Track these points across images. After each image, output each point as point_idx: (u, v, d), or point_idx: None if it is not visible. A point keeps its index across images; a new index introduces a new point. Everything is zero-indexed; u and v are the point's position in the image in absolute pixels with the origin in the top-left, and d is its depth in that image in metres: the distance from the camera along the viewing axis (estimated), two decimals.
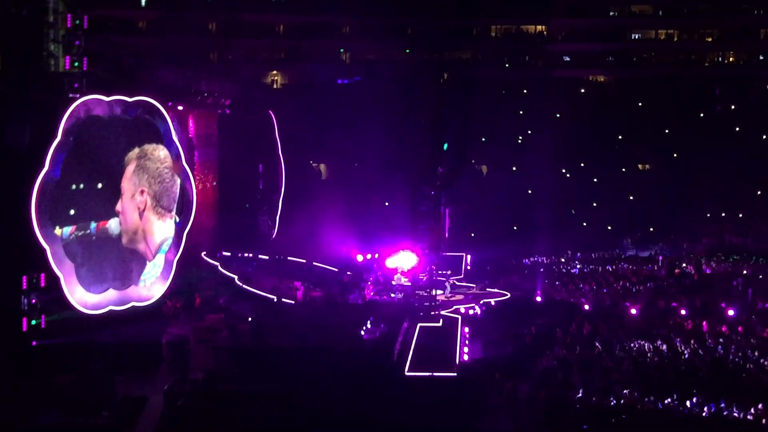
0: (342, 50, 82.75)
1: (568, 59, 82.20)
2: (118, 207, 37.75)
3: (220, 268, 49.80)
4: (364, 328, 40.33)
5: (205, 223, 51.03)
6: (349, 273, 51.88)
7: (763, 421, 30.32)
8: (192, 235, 43.34)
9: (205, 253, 51.07)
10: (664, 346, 39.41)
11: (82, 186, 35.31)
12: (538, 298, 49.55)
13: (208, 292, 45.25)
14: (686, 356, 38.15)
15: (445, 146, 64.39)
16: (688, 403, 31.81)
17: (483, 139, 74.76)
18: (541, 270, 57.13)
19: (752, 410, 31.03)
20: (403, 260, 52.08)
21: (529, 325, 43.04)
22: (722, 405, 31.73)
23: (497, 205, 66.89)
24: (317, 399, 31.55)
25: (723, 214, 66.91)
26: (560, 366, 36.36)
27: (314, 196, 62.16)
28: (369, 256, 56.49)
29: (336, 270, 53.18)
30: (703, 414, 31.17)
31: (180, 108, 47.38)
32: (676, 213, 64.99)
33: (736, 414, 31.11)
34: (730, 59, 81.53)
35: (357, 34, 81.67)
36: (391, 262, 53.01)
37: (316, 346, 36.52)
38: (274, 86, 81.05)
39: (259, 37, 79.29)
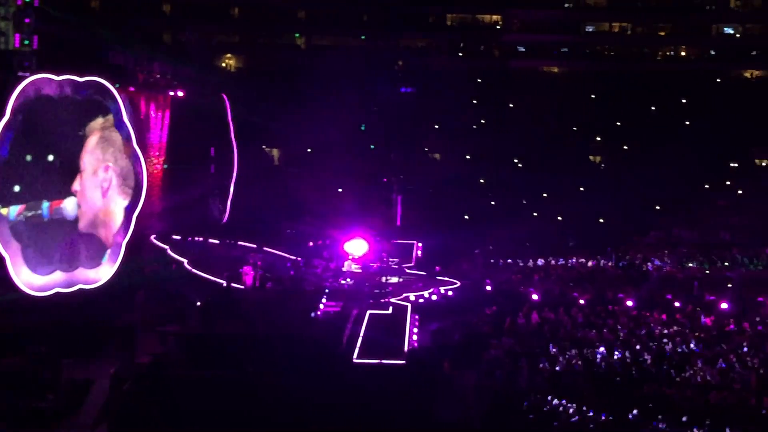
0: (297, 35, 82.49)
1: (523, 50, 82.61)
2: (76, 186, 36.28)
3: (169, 251, 49.42)
4: (321, 304, 40.49)
5: (155, 206, 50.55)
6: (299, 259, 51.71)
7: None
8: (141, 219, 42.89)
9: (154, 236, 50.65)
10: (611, 336, 39.84)
11: (30, 161, 33.91)
12: (488, 287, 49.71)
13: (157, 277, 44.85)
14: (631, 346, 38.58)
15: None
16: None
17: (437, 127, 74.84)
18: (491, 259, 57.36)
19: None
20: (354, 247, 52.01)
21: (478, 314, 43.33)
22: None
23: (449, 193, 67.00)
24: (265, 384, 31.49)
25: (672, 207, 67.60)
26: (508, 355, 36.56)
27: (266, 181, 61.85)
28: (320, 242, 56.35)
29: (287, 255, 53.00)
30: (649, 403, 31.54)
31: (131, 89, 46.86)
32: (626, 205, 65.46)
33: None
34: (682, 54, 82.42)
35: (312, 20, 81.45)
36: (345, 249, 52.97)
37: (265, 332, 36.42)
38: (228, 70, 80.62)
39: (214, 21, 78.81)
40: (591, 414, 29.92)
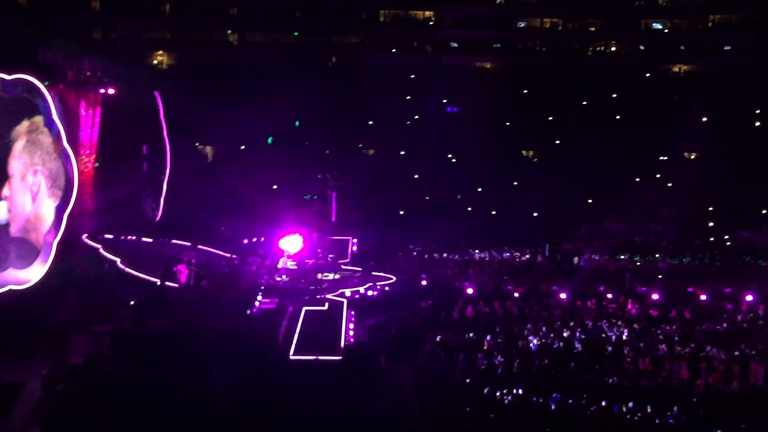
0: (229, 32, 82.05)
1: (456, 45, 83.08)
2: (5, 191, 35.79)
3: (101, 251, 48.77)
4: (256, 301, 40.35)
5: (87, 205, 49.84)
6: (234, 256, 51.41)
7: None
8: (73, 218, 42.24)
9: (86, 235, 49.96)
10: (544, 328, 40.28)
11: None
12: (423, 282, 49.94)
13: (88, 276, 44.25)
14: (565, 337, 39.07)
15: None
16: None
17: (371, 123, 74.93)
18: (426, 254, 57.63)
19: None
20: (289, 244, 51.83)
21: (413, 308, 43.54)
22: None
23: (384, 189, 67.15)
24: (200, 383, 31.26)
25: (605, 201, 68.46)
26: (444, 348, 36.78)
27: (200, 179, 61.33)
28: (255, 240, 56.08)
29: (222, 253, 52.64)
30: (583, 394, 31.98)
31: (61, 87, 46.12)
32: (558, 199, 66.10)
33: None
34: (612, 49, 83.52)
35: (244, 16, 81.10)
36: (280, 245, 52.77)
37: (200, 330, 36.12)
38: (160, 67, 79.89)
39: (145, 17, 78.03)
40: (527, 403, 30.30)
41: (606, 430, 29.48)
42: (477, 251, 59.02)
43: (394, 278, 49.91)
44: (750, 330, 41.15)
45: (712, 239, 62.80)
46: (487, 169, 68.72)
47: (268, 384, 31.39)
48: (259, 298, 42.25)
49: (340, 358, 35.51)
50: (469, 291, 47.44)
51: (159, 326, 37.24)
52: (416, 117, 75.95)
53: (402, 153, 72.39)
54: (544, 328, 40.34)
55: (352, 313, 41.89)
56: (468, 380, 33.46)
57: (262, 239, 55.58)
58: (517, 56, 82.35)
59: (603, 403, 30.54)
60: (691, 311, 44.45)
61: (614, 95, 77.66)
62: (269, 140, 67.76)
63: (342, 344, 37.22)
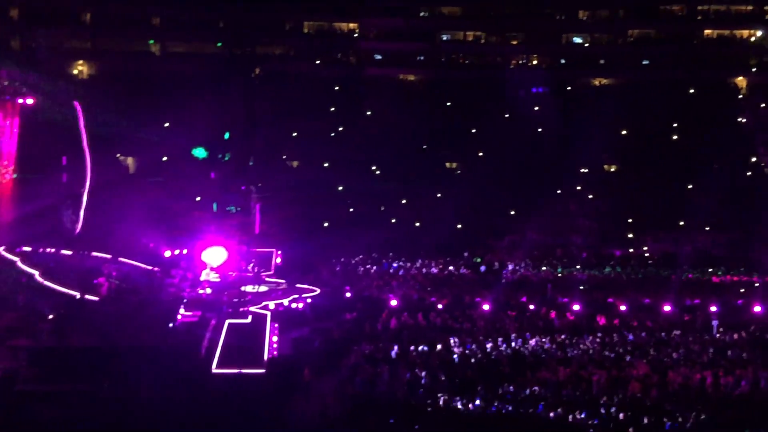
0: (151, 42, 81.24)
1: (380, 58, 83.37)
2: None
3: (19, 263, 47.88)
4: (178, 314, 39.96)
5: (4, 216, 48.97)
6: (156, 269, 50.82)
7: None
8: None
9: (3, 248, 49.03)
10: (468, 340, 40.51)
11: None
12: (347, 294, 49.89)
13: (5, 289, 43.42)
14: (488, 350, 39.34)
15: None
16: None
17: (295, 134, 74.71)
18: (350, 266, 57.60)
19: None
20: (212, 256, 51.36)
21: (337, 321, 43.51)
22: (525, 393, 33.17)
23: (308, 200, 66.96)
24: (122, 397, 30.85)
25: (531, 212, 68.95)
26: (368, 360, 36.79)
27: (121, 191, 60.55)
28: (177, 252, 55.49)
29: (143, 266, 51.99)
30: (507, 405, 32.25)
31: None
32: (482, 211, 66.59)
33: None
34: (534, 62, 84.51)
35: (167, 26, 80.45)
36: (203, 258, 52.28)
37: (120, 344, 35.65)
38: (81, 77, 78.77)
39: (64, 26, 76.82)
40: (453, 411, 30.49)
41: None
42: (401, 263, 59.08)
43: (318, 290, 49.79)
44: (668, 339, 41.85)
45: (631, 250, 63.82)
46: (411, 180, 68.99)
47: (191, 398, 31.07)
48: (182, 311, 41.89)
49: (264, 371, 35.33)
50: (393, 303, 47.52)
51: (79, 340, 36.69)
52: (340, 128, 75.88)
53: (326, 165, 72.26)
54: (467, 339, 40.55)
55: (276, 325, 41.71)
56: (392, 392, 33.47)
57: (185, 251, 54.99)
58: (440, 69, 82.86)
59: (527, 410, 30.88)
60: (611, 321, 45.09)
61: (536, 108, 78.41)
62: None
63: (265, 357, 37.04)
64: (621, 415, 31.18)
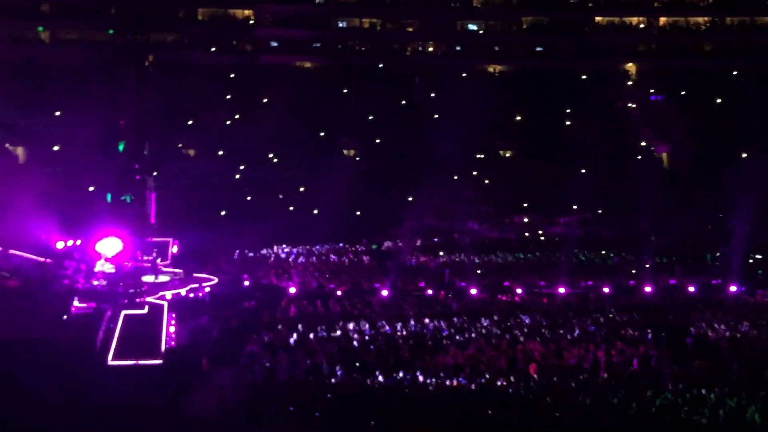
0: (41, 29, 79.33)
1: (276, 45, 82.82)
2: None
3: None
4: (72, 306, 39.24)
5: None
6: (48, 260, 49.76)
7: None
8: None
9: None
10: (367, 326, 40.68)
11: None
12: (245, 282, 49.61)
13: None
14: (387, 333, 39.59)
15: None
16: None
17: (190, 123, 73.86)
18: (248, 254, 57.25)
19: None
20: (106, 246, 50.47)
21: (235, 310, 43.21)
22: (419, 376, 33.43)
23: (205, 189, 66.35)
24: (12, 391, 30.16)
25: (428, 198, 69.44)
26: (267, 349, 36.65)
27: (10, 181, 59.09)
28: (71, 243, 54.38)
29: (35, 257, 50.84)
30: (405, 388, 32.48)
31: None
32: (380, 197, 66.80)
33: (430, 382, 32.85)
34: (430, 49, 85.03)
35: (57, 13, 78.65)
36: (97, 248, 51.35)
37: (11, 336, 34.87)
38: None
39: None
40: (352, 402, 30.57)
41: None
42: (299, 251, 58.96)
43: (216, 279, 49.40)
44: (563, 321, 42.61)
45: (526, 234, 64.79)
46: (309, 168, 68.87)
47: (86, 391, 30.57)
48: (76, 302, 41.06)
49: (161, 361, 34.96)
50: (292, 290, 47.43)
51: None
52: (237, 117, 75.28)
53: (221, 153, 71.63)
54: (366, 325, 40.71)
55: (173, 315, 41.25)
56: (292, 380, 33.42)
57: (78, 242, 53.94)
58: (336, 56, 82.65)
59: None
60: (508, 305, 45.78)
61: (432, 94, 78.89)
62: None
63: (163, 348, 36.65)
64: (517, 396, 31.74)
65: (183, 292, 46.39)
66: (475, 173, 73.08)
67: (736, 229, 57.53)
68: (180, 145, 73.80)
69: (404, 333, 40.01)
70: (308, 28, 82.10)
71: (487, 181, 72.30)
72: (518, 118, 77.82)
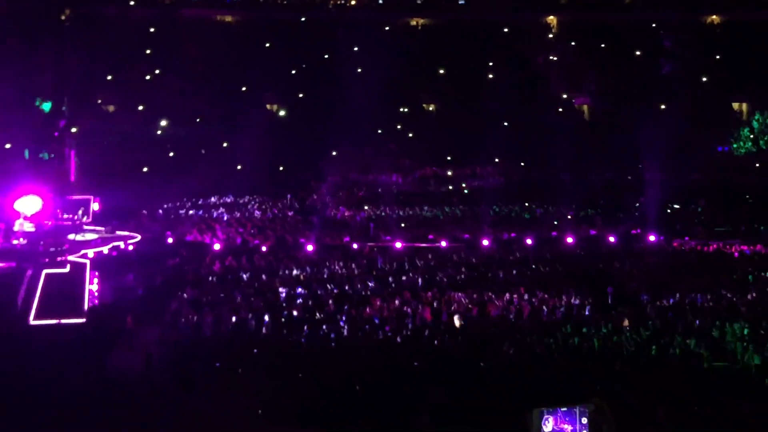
0: None
1: None
2: None
3: None
4: None
5: None
6: None
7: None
8: None
9: None
10: (292, 280, 40.75)
11: None
12: (169, 240, 49.24)
13: None
14: (314, 288, 39.73)
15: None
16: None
17: (109, 78, 72.65)
18: (172, 211, 56.79)
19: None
20: (25, 205, 49.53)
21: (160, 267, 42.90)
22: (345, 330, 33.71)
23: (126, 145, 65.52)
24: None
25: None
26: (192, 306, 36.50)
27: None
28: None
29: None
30: (331, 342, 32.68)
31: None
32: (304, 152, 66.64)
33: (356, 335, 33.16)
34: (352, 3, 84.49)
35: None
36: (16, 207, 50.36)
37: None
38: None
39: None
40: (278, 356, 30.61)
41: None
42: (223, 205, 58.68)
43: (139, 237, 48.91)
44: (487, 273, 43.13)
45: (450, 187, 65.29)
46: (232, 123, 68.35)
47: (8, 350, 30.14)
48: None
49: (84, 320, 34.62)
50: (216, 247, 47.23)
51: None
52: (157, 72, 74.25)
53: (141, 108, 70.66)
54: (291, 281, 40.77)
55: (96, 274, 40.79)
56: (217, 337, 33.39)
57: None
58: (258, 10, 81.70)
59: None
60: (433, 258, 46.18)
61: (355, 48, 78.57)
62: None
63: (86, 306, 36.27)
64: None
65: (106, 250, 45.83)
66: (398, 127, 73.20)
67: (654, 179, 58.68)
68: (99, 102, 72.61)
69: (330, 287, 40.14)
70: None
71: (410, 135, 72.48)
72: (441, 71, 77.95)
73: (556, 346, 32.24)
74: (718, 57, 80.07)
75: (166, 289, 39.27)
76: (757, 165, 70.05)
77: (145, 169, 63.80)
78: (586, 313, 36.49)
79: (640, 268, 44.06)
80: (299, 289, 39.61)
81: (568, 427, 9.50)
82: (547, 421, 9.53)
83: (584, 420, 9.53)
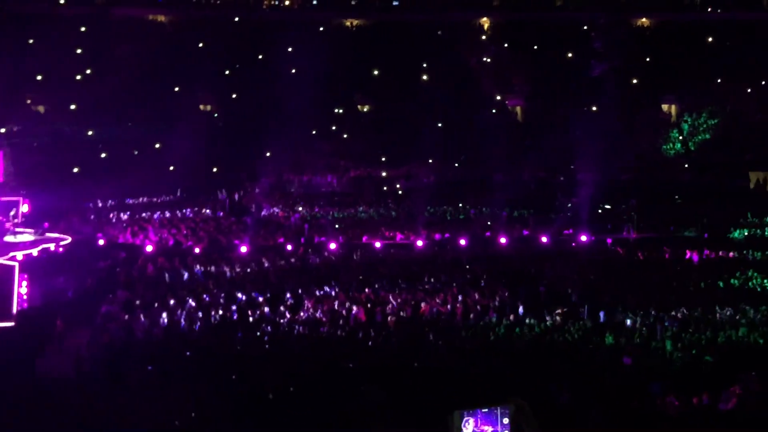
0: None
1: None
2: None
3: None
4: None
5: None
6: None
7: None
8: None
9: None
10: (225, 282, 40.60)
11: None
12: (100, 241, 48.65)
13: None
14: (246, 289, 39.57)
15: None
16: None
17: (39, 78, 71.57)
18: (103, 213, 56.14)
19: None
20: None
21: (90, 269, 42.44)
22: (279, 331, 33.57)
23: (57, 146, 64.61)
24: None
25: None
26: (124, 308, 36.14)
27: None
28: None
29: None
30: (265, 344, 32.58)
31: None
32: (237, 152, 66.31)
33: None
34: (287, 3, 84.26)
35: None
36: None
37: None
38: None
39: None
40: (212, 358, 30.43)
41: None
42: (155, 206, 58.16)
43: (70, 239, 48.23)
44: (421, 272, 43.30)
45: (385, 188, 65.46)
46: (164, 124, 67.74)
47: None
48: None
49: (13, 324, 34.06)
50: (149, 249, 46.79)
51: None
52: (88, 71, 73.32)
53: (73, 107, 69.72)
54: (225, 283, 40.60)
55: (25, 276, 40.12)
56: (149, 339, 33.07)
57: None
58: (191, 9, 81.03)
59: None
60: (368, 258, 46.28)
61: (290, 48, 78.24)
62: None
63: (14, 310, 35.67)
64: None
65: (35, 252, 45.10)
66: (333, 127, 73.16)
67: (586, 179, 59.35)
68: (29, 102, 71.53)
69: (263, 288, 39.99)
70: None
71: (345, 135, 72.50)
72: (375, 72, 78.09)
73: (488, 345, 32.48)
74: (648, 59, 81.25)
75: (97, 292, 38.83)
76: (686, 165, 71.41)
77: (76, 170, 62.91)
78: (519, 312, 36.77)
79: (572, 268, 44.58)
80: (232, 291, 39.40)
81: (488, 428, 9.54)
82: (467, 423, 9.55)
83: (505, 420, 9.58)
